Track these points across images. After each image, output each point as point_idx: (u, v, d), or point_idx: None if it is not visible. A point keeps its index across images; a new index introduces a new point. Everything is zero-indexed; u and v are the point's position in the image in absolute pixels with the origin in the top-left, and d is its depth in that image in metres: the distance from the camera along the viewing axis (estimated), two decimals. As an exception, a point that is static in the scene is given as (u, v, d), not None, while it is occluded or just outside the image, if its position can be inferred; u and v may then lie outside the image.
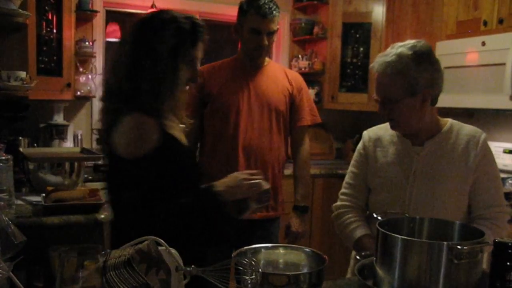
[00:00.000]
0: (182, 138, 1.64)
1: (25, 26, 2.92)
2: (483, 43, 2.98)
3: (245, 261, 1.09)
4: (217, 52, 4.04)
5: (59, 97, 3.55)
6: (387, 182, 1.81)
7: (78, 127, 3.97)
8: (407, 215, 1.63)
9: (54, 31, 3.47)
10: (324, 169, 4.18)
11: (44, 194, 2.32)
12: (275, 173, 2.52)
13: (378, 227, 1.30)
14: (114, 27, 4.29)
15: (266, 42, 2.38)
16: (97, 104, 4.10)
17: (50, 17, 3.44)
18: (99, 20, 4.02)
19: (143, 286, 0.95)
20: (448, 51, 3.21)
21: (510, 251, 1.06)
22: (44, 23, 3.40)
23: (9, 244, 1.08)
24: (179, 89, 1.56)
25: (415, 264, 1.22)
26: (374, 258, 1.35)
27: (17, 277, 1.07)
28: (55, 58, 3.48)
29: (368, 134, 1.93)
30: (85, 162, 2.96)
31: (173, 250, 1.05)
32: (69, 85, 3.53)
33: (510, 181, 3.01)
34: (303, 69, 4.58)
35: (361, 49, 4.31)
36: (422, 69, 1.65)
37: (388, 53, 1.70)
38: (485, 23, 3.04)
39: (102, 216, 2.28)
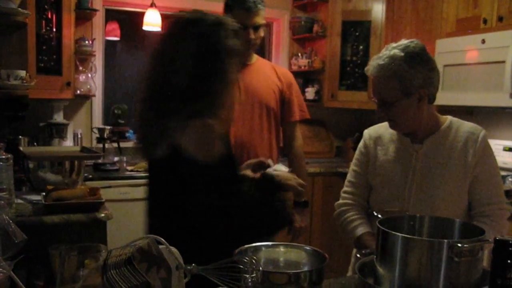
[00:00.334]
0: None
1: (24, 25, 2.91)
2: (483, 41, 2.98)
3: (246, 259, 1.09)
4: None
5: (59, 96, 3.55)
6: (387, 180, 1.81)
7: (78, 126, 3.98)
8: (407, 213, 1.64)
9: (54, 30, 3.47)
10: (324, 167, 4.19)
11: (44, 193, 2.32)
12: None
13: (378, 225, 1.30)
14: (114, 26, 4.29)
15: (253, 36, 2.39)
16: (97, 103, 4.10)
17: (49, 16, 3.44)
18: (98, 18, 4.02)
19: (143, 285, 0.95)
20: (448, 49, 3.21)
21: (510, 248, 1.06)
22: (43, 22, 3.41)
23: (10, 243, 1.08)
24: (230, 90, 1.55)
25: (416, 262, 1.22)
26: (375, 256, 1.35)
27: (18, 276, 1.07)
28: (54, 57, 3.49)
29: (368, 132, 1.94)
30: (85, 161, 2.96)
31: (173, 249, 1.05)
32: (68, 84, 3.53)
33: (510, 179, 3.02)
34: (302, 67, 4.58)
35: (361, 47, 4.31)
36: (416, 70, 1.66)
37: (382, 55, 1.71)
38: (485, 21, 3.04)
39: (102, 214, 2.28)
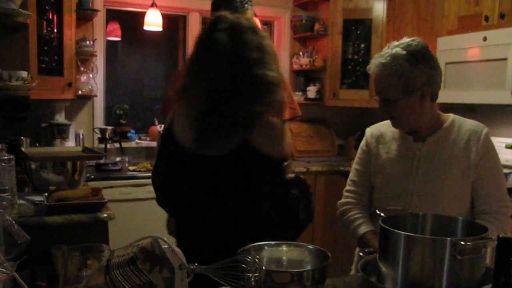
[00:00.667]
0: None
1: (25, 26, 2.92)
2: (485, 38, 2.97)
3: (249, 258, 1.09)
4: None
5: (60, 96, 3.55)
6: (389, 178, 1.81)
7: (79, 126, 3.98)
8: (410, 211, 1.63)
9: (55, 30, 3.47)
10: (326, 166, 4.18)
11: (46, 194, 2.32)
12: None
13: (381, 224, 1.30)
14: (115, 26, 4.29)
15: None
16: (98, 103, 4.11)
17: (50, 17, 3.44)
18: (99, 19, 4.02)
19: (147, 285, 0.95)
20: (449, 46, 3.20)
21: (514, 246, 1.06)
22: (44, 23, 3.41)
23: (13, 243, 1.08)
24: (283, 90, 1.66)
25: (419, 260, 1.22)
26: (378, 255, 1.35)
27: (21, 276, 1.08)
28: (56, 57, 3.49)
29: (370, 131, 1.94)
30: (87, 161, 2.96)
31: (176, 248, 1.05)
32: (70, 84, 3.53)
33: (512, 176, 3.01)
34: (304, 66, 4.58)
35: (362, 45, 4.30)
36: (418, 68, 1.66)
37: (383, 54, 1.71)
38: (486, 18, 3.03)
39: (105, 215, 2.28)
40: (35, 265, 1.81)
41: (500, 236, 1.08)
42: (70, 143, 3.75)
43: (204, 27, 1.62)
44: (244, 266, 1.08)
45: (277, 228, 1.63)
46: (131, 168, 3.75)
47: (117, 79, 4.53)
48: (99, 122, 4.13)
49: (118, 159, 3.90)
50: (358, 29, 4.31)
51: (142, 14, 4.09)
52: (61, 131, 3.66)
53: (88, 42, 3.82)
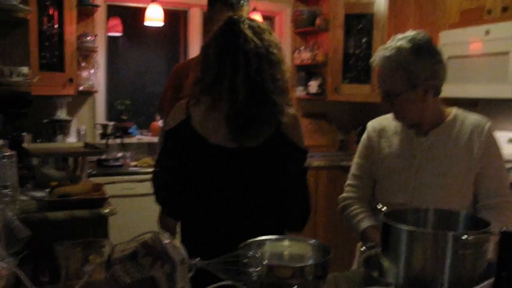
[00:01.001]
0: None
1: (26, 21, 2.91)
2: (487, 32, 2.96)
3: (250, 253, 1.09)
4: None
5: (62, 92, 3.55)
6: (391, 172, 1.81)
7: (81, 122, 3.98)
8: (411, 205, 1.63)
9: (56, 26, 3.46)
10: (327, 161, 4.18)
11: (48, 190, 2.32)
12: None
13: (383, 218, 1.30)
14: (116, 21, 4.28)
15: None
16: (99, 99, 4.11)
17: (51, 12, 3.44)
18: (100, 14, 4.01)
19: (148, 280, 0.95)
20: (451, 40, 3.19)
21: (516, 240, 1.06)
22: (45, 18, 3.40)
23: (14, 239, 1.08)
24: None
25: (421, 254, 1.21)
26: (380, 249, 1.34)
27: (23, 272, 1.08)
28: (57, 53, 3.48)
29: (372, 124, 1.93)
30: (89, 157, 2.96)
31: (177, 243, 1.04)
32: (71, 80, 3.53)
33: (515, 171, 3.00)
34: (305, 61, 4.57)
35: (364, 40, 4.29)
36: (422, 62, 1.65)
37: (387, 46, 1.70)
38: (489, 12, 3.01)
39: (107, 210, 2.28)
40: (37, 261, 1.81)
41: (503, 230, 1.08)
42: (72, 139, 3.75)
43: (222, 25, 1.68)
44: (246, 261, 1.08)
45: (297, 219, 1.73)
46: (133, 163, 3.76)
47: (118, 74, 4.53)
48: (101, 117, 4.13)
49: (119, 154, 3.90)
50: (359, 24, 4.30)
51: (143, 10, 4.08)
52: (63, 127, 3.66)
53: (89, 38, 3.82)
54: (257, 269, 1.06)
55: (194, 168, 1.69)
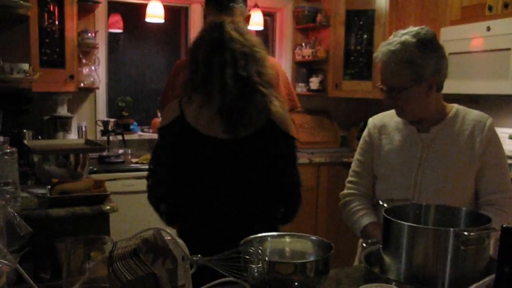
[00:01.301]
0: None
1: (27, 18, 2.91)
2: (488, 28, 2.95)
3: (252, 249, 1.09)
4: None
5: (63, 89, 3.55)
6: (393, 169, 1.80)
7: (82, 119, 3.98)
8: (413, 202, 1.63)
9: (56, 22, 3.46)
10: (329, 157, 4.18)
11: (49, 186, 2.32)
12: None
13: (384, 214, 1.30)
14: (116, 18, 4.27)
15: None
16: (100, 96, 4.10)
17: (52, 9, 3.43)
18: (101, 11, 4.01)
19: (149, 276, 0.95)
20: (452, 37, 3.18)
21: (518, 236, 1.05)
22: (46, 15, 3.40)
23: (15, 236, 1.08)
24: None
25: (422, 251, 1.22)
26: (381, 246, 1.34)
27: (24, 269, 1.08)
28: (57, 50, 3.48)
29: (373, 121, 1.93)
30: (90, 154, 2.96)
31: (179, 240, 1.04)
32: (72, 77, 3.52)
33: (516, 167, 3.00)
34: (306, 57, 4.56)
35: (365, 36, 4.28)
36: (428, 57, 1.64)
37: (391, 41, 1.69)
38: (490, 8, 3.00)
39: (108, 207, 2.28)
40: (39, 258, 1.82)
41: (504, 226, 1.08)
42: (73, 136, 3.75)
43: (207, 28, 1.75)
44: (247, 257, 1.08)
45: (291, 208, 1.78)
46: (134, 160, 3.75)
47: (119, 71, 4.52)
48: (102, 114, 4.12)
49: (120, 151, 3.90)
50: (360, 20, 4.29)
51: (144, 6, 4.07)
52: (64, 124, 3.66)
53: (89, 34, 3.81)
54: (259, 265, 1.06)
55: (190, 162, 1.71)
